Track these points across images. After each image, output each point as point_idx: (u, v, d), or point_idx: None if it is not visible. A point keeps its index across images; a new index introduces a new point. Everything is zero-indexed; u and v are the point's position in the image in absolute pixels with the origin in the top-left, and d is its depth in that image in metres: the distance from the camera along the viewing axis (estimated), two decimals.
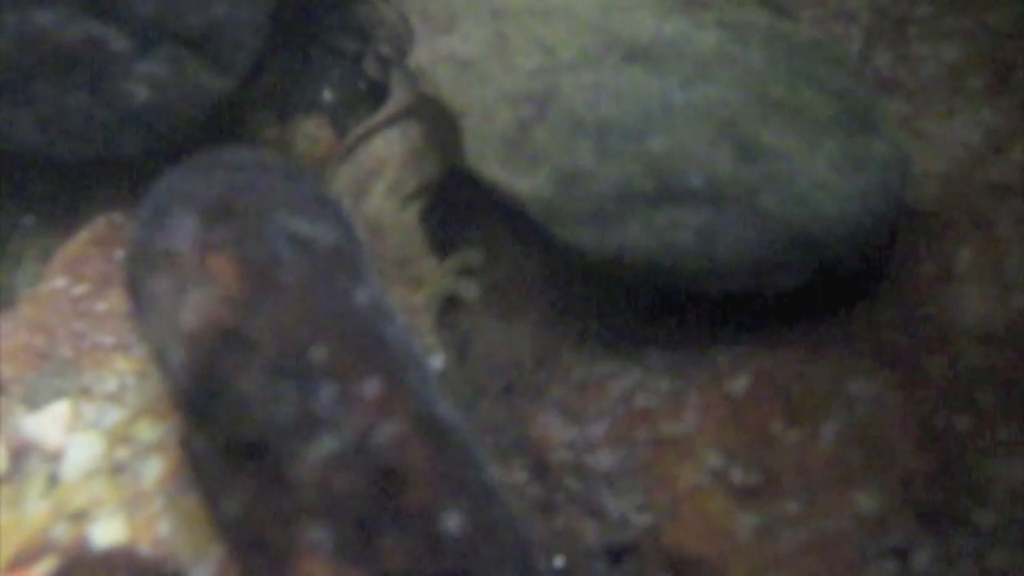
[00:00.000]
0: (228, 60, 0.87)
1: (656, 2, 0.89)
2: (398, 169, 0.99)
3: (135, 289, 0.74)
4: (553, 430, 0.81)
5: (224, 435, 0.64)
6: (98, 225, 0.94)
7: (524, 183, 0.82)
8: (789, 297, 0.81)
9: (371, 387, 0.65)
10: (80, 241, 0.93)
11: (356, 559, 0.63)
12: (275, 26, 0.92)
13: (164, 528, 0.81)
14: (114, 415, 0.87)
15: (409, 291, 0.96)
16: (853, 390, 0.76)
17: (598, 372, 0.84)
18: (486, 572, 0.64)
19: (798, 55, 0.84)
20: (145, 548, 0.79)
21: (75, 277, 0.92)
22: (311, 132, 1.06)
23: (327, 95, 1.07)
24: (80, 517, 0.81)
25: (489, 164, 0.84)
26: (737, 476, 0.75)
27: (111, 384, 0.89)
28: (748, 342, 0.81)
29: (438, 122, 0.95)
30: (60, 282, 0.92)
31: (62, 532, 0.80)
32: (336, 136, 1.07)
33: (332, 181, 1.01)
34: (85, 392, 0.88)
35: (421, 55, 0.93)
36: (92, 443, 0.85)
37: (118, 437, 0.86)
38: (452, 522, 0.64)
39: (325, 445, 0.63)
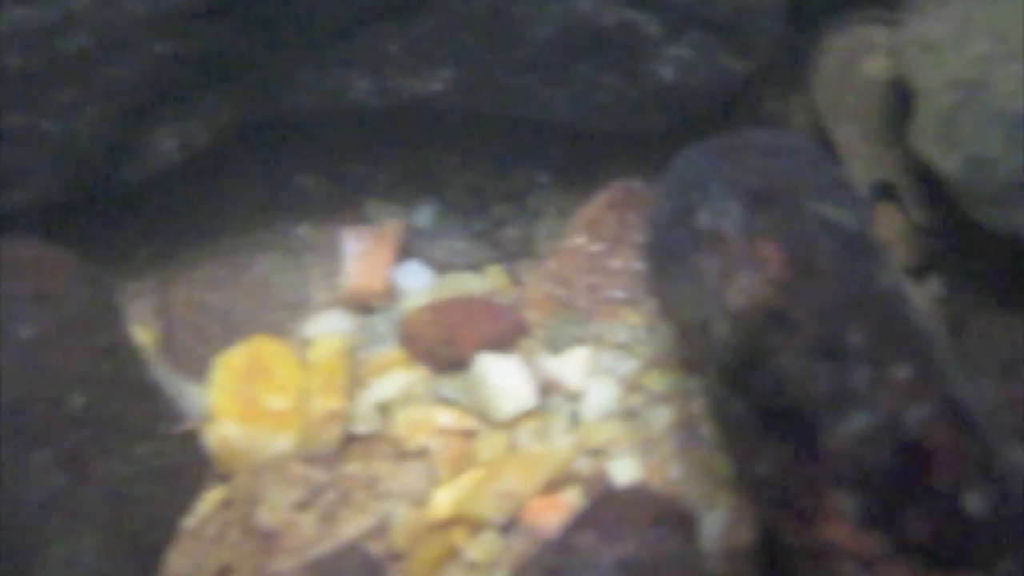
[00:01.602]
0: (751, 44, 0.93)
1: None
2: None
3: (667, 258, 0.82)
4: None
5: (762, 404, 0.71)
6: (614, 190, 1.02)
7: (944, 163, 0.86)
8: None
9: (903, 371, 0.69)
10: (597, 204, 1.02)
11: (879, 528, 0.68)
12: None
13: (675, 472, 0.89)
14: (626, 364, 0.96)
15: None
16: None
17: None
18: (1004, 556, 0.68)
19: None
20: (658, 488, 0.88)
21: (593, 236, 1.01)
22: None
23: None
24: (599, 454, 0.91)
25: (924, 142, 0.88)
26: None
27: (622, 335, 0.98)
28: None
29: None
30: (580, 239, 1.02)
31: (584, 465, 0.89)
32: None
33: None
34: (599, 341, 0.97)
35: (900, 35, 0.96)
36: (607, 388, 0.94)
37: (630, 385, 0.95)
38: (975, 503, 0.68)
39: (858, 421, 0.68)
